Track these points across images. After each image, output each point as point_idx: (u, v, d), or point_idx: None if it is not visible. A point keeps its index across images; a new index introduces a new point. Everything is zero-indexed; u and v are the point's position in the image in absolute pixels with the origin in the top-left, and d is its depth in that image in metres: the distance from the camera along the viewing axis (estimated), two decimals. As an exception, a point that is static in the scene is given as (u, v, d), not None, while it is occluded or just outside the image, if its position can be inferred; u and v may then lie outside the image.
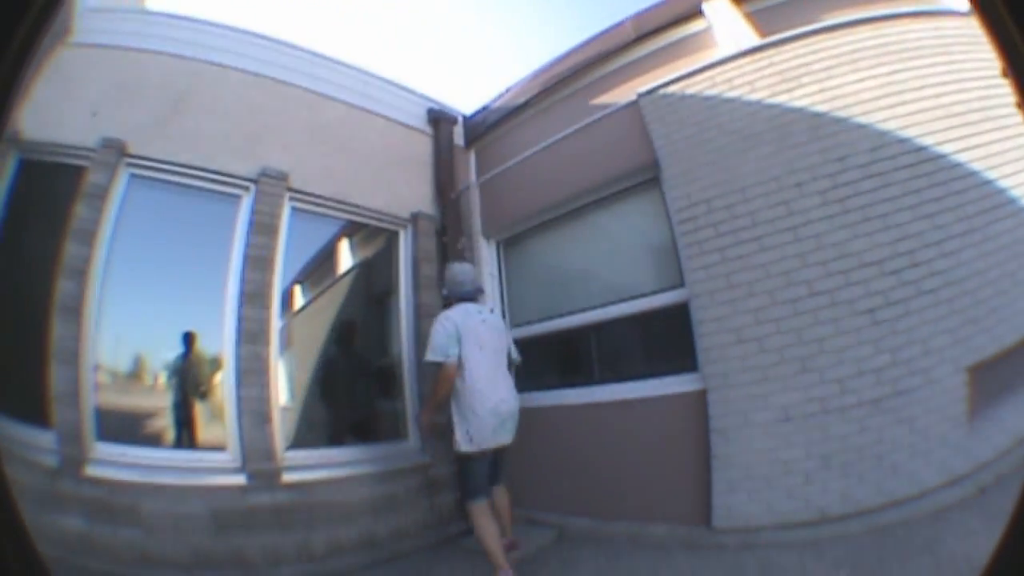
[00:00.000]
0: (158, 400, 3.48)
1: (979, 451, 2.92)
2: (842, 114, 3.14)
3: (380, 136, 3.93)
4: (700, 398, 3.27)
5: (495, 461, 3.10)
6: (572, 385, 3.92)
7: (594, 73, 3.82)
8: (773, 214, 3.17)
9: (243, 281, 3.39)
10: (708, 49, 3.45)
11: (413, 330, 3.96)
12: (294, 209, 3.63)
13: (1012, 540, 0.82)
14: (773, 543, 3.03)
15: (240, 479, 3.27)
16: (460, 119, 4.27)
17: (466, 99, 4.36)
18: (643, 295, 3.60)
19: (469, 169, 4.38)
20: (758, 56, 3.25)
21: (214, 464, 3.30)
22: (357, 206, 3.79)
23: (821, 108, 3.17)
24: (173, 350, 3.49)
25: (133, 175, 3.35)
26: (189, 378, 3.52)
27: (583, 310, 3.88)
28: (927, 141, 3.08)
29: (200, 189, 3.45)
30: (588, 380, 3.84)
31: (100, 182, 3.24)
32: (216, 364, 3.45)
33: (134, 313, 3.31)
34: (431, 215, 4.10)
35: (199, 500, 3.16)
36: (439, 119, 4.09)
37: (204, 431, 3.57)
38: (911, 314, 2.99)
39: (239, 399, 3.30)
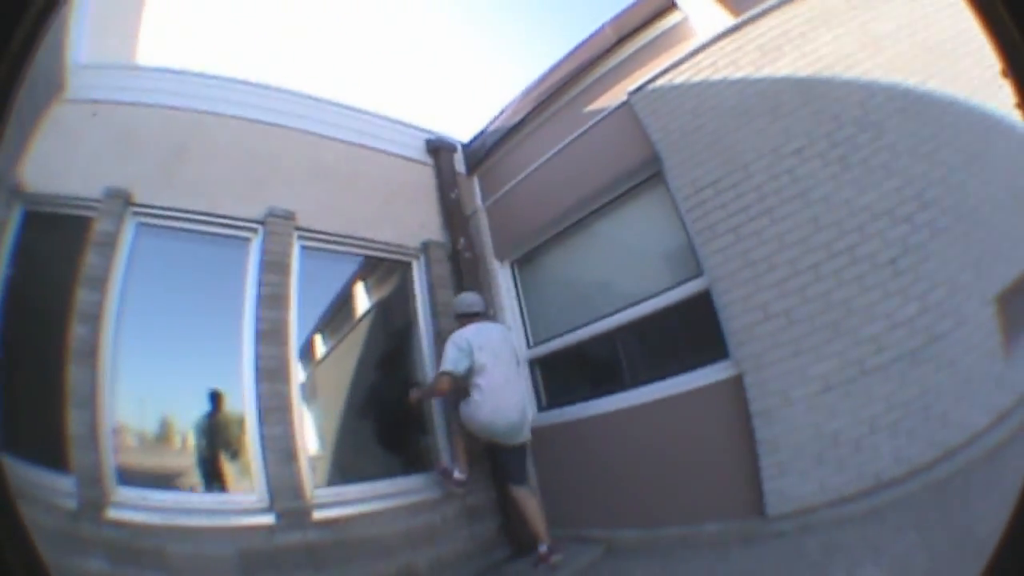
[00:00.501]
0: (184, 459, 3.44)
1: (1020, 380, 2.78)
2: (827, 74, 3.19)
3: (382, 171, 4.03)
4: (736, 384, 3.15)
5: (523, 459, 3.54)
6: (602, 394, 3.80)
7: (583, 82, 3.94)
8: (778, 184, 3.16)
9: (258, 320, 3.39)
10: (688, 39, 3.55)
11: (435, 357, 3.92)
12: (304, 248, 3.67)
13: (1012, 540, 0.82)
14: (832, 521, 2.87)
15: (268, 519, 3.17)
16: (459, 147, 4.40)
17: (462, 127, 4.43)
18: (662, 292, 3.54)
19: (474, 194, 4.46)
20: (736, 35, 3.35)
21: (240, 506, 3.21)
22: (366, 239, 3.84)
23: (805, 73, 3.23)
24: (199, 408, 3.41)
25: (140, 223, 3.38)
26: (218, 437, 3.43)
27: (603, 317, 3.81)
28: (912, 81, 3.11)
29: (208, 235, 3.50)
30: (618, 387, 3.73)
31: (108, 230, 3.27)
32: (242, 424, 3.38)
33: (150, 359, 3.30)
34: (441, 242, 4.14)
35: (227, 541, 3.05)
36: (438, 148, 4.21)
37: (233, 482, 3.50)
38: (931, 257, 2.93)
39: (262, 437, 3.24)
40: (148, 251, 3.41)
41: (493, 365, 3.44)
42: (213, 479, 3.46)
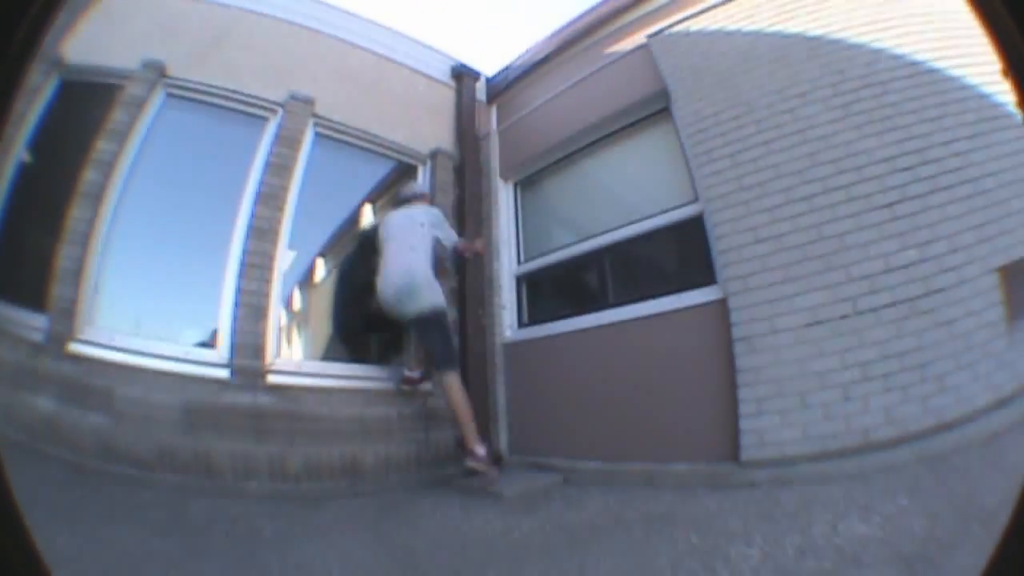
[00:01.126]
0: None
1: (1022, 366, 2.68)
2: (837, 36, 3.31)
3: (404, 84, 4.21)
4: (721, 308, 3.10)
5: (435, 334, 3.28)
6: (583, 313, 3.76)
7: (608, 28, 4.08)
8: (779, 120, 3.20)
9: (261, 183, 3.50)
10: (710, -4, 3.78)
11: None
12: (318, 134, 3.82)
13: (1012, 540, 0.81)
14: (812, 477, 2.67)
15: (222, 374, 3.10)
16: (482, 77, 4.59)
17: (489, 63, 4.63)
18: (655, 215, 3.56)
19: (490, 121, 4.59)
20: (756, -6, 3.56)
21: (201, 358, 3.14)
22: (378, 137, 3.98)
23: (816, 32, 3.37)
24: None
25: (169, 94, 3.54)
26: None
27: (593, 236, 3.84)
28: (922, 57, 3.21)
29: (230, 110, 3.65)
30: (601, 305, 3.69)
31: (138, 94, 3.43)
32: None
33: (154, 206, 3.39)
34: (450, 152, 4.27)
35: (176, 391, 2.98)
36: (462, 74, 4.39)
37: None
38: (931, 209, 2.88)
39: (238, 290, 3.23)
40: (172, 119, 3.57)
41: (388, 242, 3.39)
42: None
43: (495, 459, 3.35)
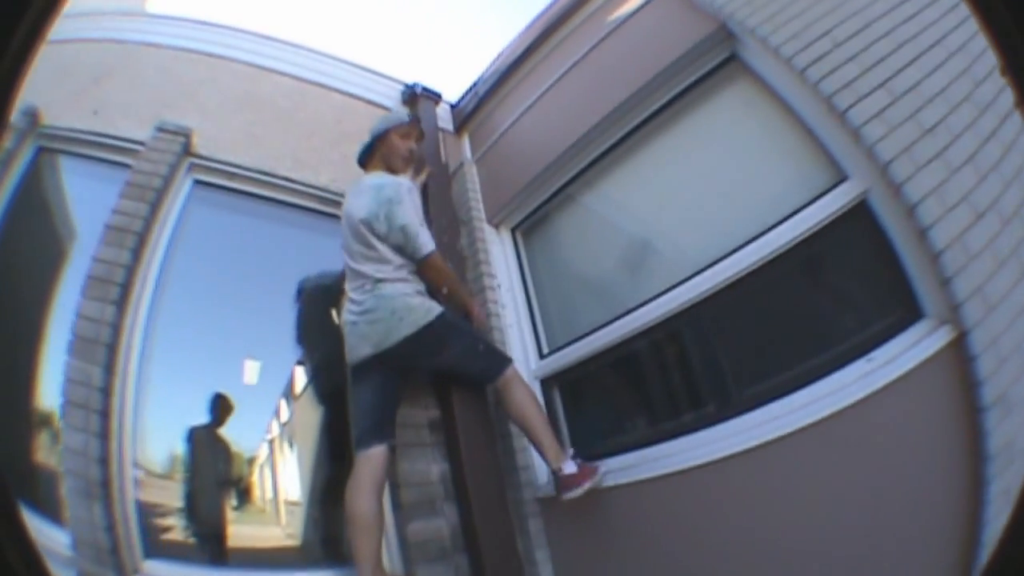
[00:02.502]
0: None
1: None
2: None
3: (335, 111, 2.98)
4: (952, 356, 1.50)
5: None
6: (672, 433, 2.13)
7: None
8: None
9: (93, 260, 2.16)
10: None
11: None
12: (197, 182, 2.53)
13: (1012, 540, 0.76)
14: None
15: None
16: (443, 100, 3.32)
17: (450, 89, 3.37)
18: (768, 229, 1.98)
19: (462, 151, 3.27)
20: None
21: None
22: (291, 180, 2.64)
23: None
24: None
25: (40, 145, 2.56)
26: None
27: (661, 294, 2.24)
28: None
29: (92, 159, 2.53)
30: (700, 416, 2.08)
31: (9, 147, 2.47)
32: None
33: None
34: None
35: None
36: (416, 96, 3.14)
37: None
38: None
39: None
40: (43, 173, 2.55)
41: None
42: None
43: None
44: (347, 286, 2.28)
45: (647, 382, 2.37)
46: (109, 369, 2.03)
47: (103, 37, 2.89)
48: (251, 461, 2.46)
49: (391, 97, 3.15)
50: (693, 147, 2.38)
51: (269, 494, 2.46)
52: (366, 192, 2.25)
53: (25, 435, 2.05)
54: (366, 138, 2.51)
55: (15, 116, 2.46)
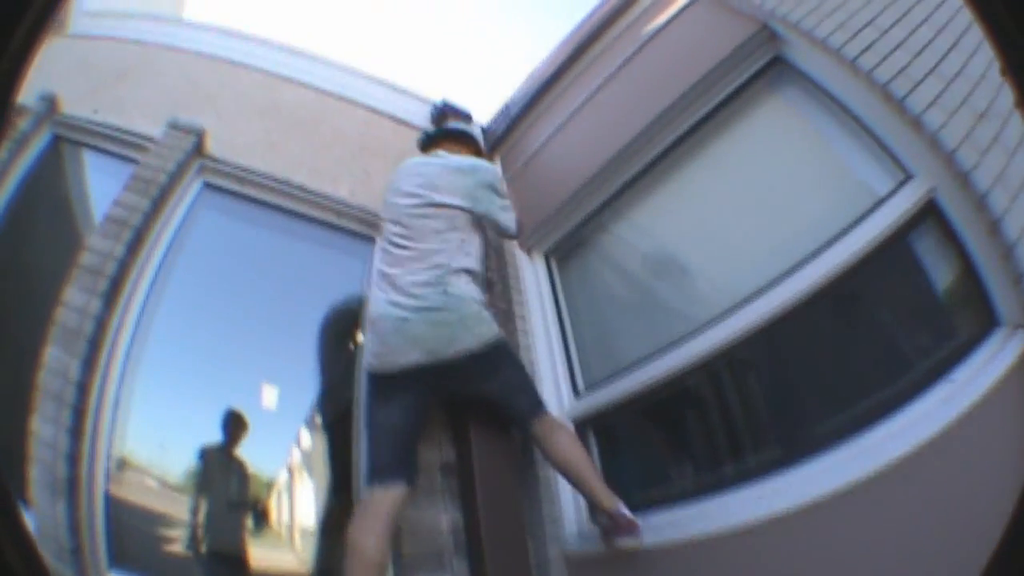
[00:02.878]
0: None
1: None
2: None
3: (359, 125, 2.84)
4: None
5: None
6: (728, 483, 1.81)
7: (632, 12, 2.68)
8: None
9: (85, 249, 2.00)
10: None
11: None
12: (208, 185, 2.36)
13: (1012, 540, 0.76)
14: None
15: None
16: (472, 119, 3.15)
17: (481, 114, 3.26)
18: (833, 240, 1.72)
19: None
20: None
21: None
22: (308, 191, 2.46)
23: None
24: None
25: (55, 133, 2.46)
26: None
27: (711, 325, 1.95)
28: None
29: (108, 152, 2.41)
30: (763, 461, 1.75)
31: (25, 129, 2.39)
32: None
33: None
34: None
35: None
36: (446, 113, 2.99)
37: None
38: None
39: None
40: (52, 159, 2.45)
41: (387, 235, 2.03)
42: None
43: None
44: (393, 270, 1.91)
45: (698, 423, 2.06)
46: (88, 364, 1.82)
47: (129, 37, 2.87)
48: (269, 485, 2.24)
49: (419, 115, 3.04)
50: (741, 160, 2.18)
51: (286, 519, 2.22)
52: (456, 171, 2.02)
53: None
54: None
55: (33, 101, 2.39)
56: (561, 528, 2.12)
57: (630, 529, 1.74)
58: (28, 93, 2.33)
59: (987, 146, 1.47)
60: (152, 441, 2.04)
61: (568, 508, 2.16)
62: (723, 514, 1.74)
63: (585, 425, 2.30)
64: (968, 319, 1.50)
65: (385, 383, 1.83)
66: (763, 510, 1.61)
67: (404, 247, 1.91)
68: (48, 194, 2.48)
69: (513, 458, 2.21)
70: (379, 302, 1.88)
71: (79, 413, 1.77)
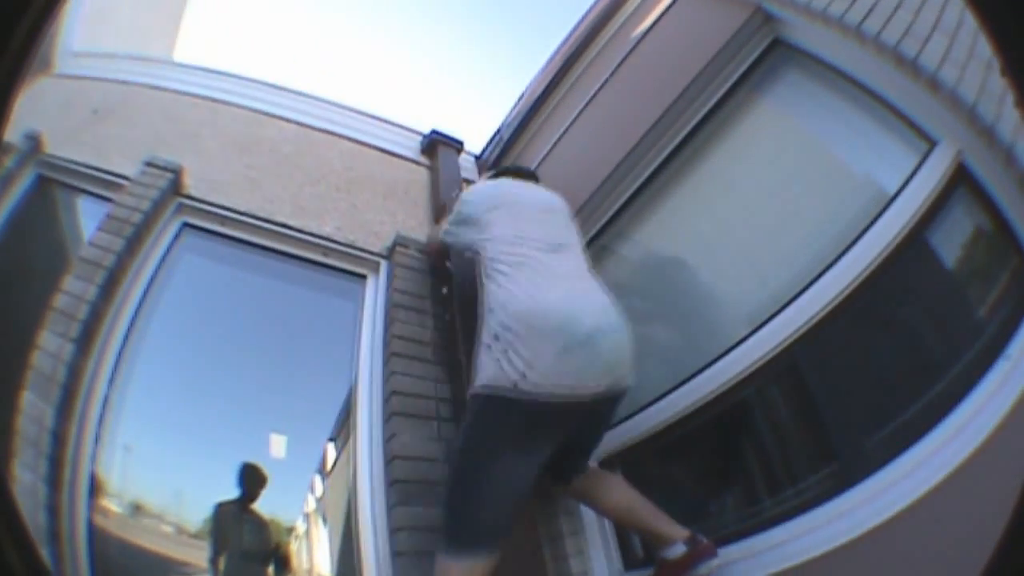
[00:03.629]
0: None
1: None
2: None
3: (344, 157, 2.73)
4: None
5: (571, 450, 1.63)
6: (778, 514, 1.60)
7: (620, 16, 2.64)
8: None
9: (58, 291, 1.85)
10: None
11: (381, 447, 1.95)
12: (187, 225, 2.22)
13: (1012, 540, 0.74)
14: None
15: None
16: (465, 148, 3.07)
17: (474, 141, 3.17)
18: (870, 225, 1.55)
19: None
20: None
21: None
22: (291, 228, 2.31)
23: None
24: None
25: (38, 173, 2.36)
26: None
27: (737, 345, 1.77)
28: None
29: (88, 193, 2.30)
30: (816, 483, 1.55)
31: (10, 167, 2.29)
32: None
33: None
34: (419, 241, 2.46)
35: None
36: (436, 142, 2.91)
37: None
38: None
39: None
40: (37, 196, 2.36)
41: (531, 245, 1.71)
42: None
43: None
44: (569, 264, 1.73)
45: (738, 450, 1.86)
46: (63, 412, 1.66)
47: (113, 77, 2.82)
48: (290, 531, 2.10)
49: (407, 147, 2.95)
50: (752, 158, 2.07)
51: (306, 565, 2.08)
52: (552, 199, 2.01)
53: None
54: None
55: (18, 138, 2.30)
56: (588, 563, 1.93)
57: (711, 552, 1.54)
58: (13, 131, 2.30)
59: (1001, 94, 1.35)
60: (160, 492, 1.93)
61: (599, 561, 1.96)
62: (772, 551, 1.54)
63: (612, 463, 2.09)
64: (1013, 289, 1.35)
65: (536, 419, 1.46)
66: (823, 542, 1.41)
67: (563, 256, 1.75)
68: (34, 235, 2.40)
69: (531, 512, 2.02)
70: (595, 305, 1.61)
71: (55, 464, 1.61)
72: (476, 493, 1.45)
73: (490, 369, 1.47)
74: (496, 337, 1.51)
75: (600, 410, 1.57)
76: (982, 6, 0.76)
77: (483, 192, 2.04)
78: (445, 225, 2.02)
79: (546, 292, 1.58)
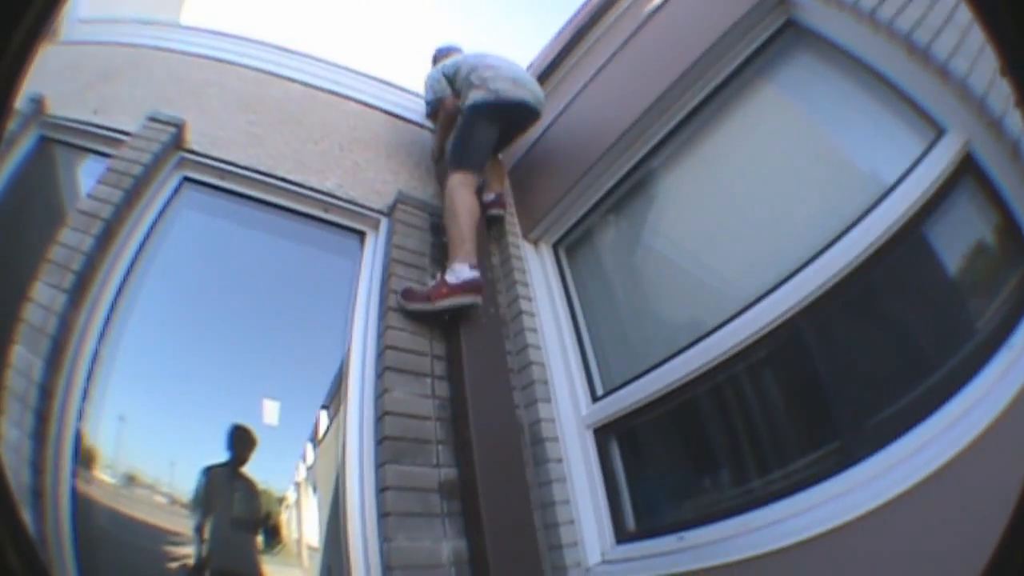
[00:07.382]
0: None
1: None
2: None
3: (350, 118, 2.77)
4: None
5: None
6: (774, 492, 1.57)
7: None
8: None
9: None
10: None
11: (372, 403, 1.95)
12: (187, 179, 2.25)
13: (1012, 540, 0.75)
14: None
15: None
16: None
17: None
18: (874, 206, 1.53)
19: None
20: None
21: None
22: (292, 183, 2.33)
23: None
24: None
25: (41, 135, 2.40)
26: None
27: (745, 310, 1.74)
28: None
29: (92, 151, 2.33)
30: (815, 462, 1.52)
31: (13, 130, 2.27)
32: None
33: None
34: (421, 200, 2.51)
35: None
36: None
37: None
38: None
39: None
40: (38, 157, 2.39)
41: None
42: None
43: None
44: None
45: (731, 425, 1.82)
46: (52, 365, 1.68)
47: (119, 41, 2.89)
48: (281, 500, 2.11)
49: (413, 110, 2.96)
50: (762, 135, 2.03)
51: (295, 535, 2.08)
52: None
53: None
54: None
55: (22, 103, 2.38)
56: (582, 553, 1.89)
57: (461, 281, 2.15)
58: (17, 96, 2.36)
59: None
60: (156, 459, 1.94)
61: (588, 531, 1.91)
62: (773, 527, 1.49)
63: (607, 432, 2.09)
64: (1016, 280, 1.33)
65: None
66: (824, 520, 1.36)
67: None
68: (37, 196, 2.43)
69: (522, 473, 1.98)
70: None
71: (41, 419, 1.62)
72: (471, 143, 2.51)
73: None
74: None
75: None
76: (982, 6, 0.77)
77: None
78: None
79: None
